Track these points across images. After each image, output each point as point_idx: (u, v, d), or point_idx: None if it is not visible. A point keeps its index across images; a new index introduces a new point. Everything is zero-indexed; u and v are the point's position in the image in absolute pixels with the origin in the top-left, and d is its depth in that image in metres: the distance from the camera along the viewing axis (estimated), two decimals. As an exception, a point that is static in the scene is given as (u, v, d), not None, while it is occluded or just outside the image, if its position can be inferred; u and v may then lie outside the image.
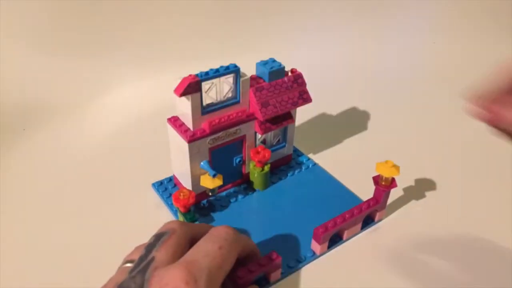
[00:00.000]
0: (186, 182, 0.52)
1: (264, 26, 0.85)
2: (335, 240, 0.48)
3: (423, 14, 0.94)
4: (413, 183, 0.57)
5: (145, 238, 0.37)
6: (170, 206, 0.52)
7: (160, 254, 0.33)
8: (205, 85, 0.46)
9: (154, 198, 0.55)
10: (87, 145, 0.65)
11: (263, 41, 0.84)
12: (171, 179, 0.56)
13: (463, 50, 0.91)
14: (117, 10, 0.74)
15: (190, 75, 0.45)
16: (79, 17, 0.72)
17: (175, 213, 0.51)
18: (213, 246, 0.34)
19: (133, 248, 0.38)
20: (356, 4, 0.90)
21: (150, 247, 0.34)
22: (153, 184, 0.56)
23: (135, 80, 0.76)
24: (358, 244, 0.48)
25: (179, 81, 0.45)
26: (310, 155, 0.62)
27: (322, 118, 0.72)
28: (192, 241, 0.36)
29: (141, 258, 0.33)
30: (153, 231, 0.37)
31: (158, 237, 0.35)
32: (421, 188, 0.56)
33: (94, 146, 0.65)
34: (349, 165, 0.59)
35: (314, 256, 0.46)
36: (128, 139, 0.67)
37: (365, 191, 0.53)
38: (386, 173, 0.47)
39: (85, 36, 0.74)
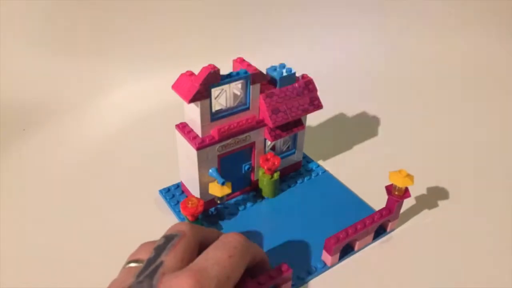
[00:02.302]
0: (194, 189, 0.51)
1: (267, 25, 0.85)
2: (346, 250, 0.47)
3: (423, 14, 0.93)
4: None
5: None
6: (178, 213, 0.51)
7: (169, 258, 0.32)
8: (214, 91, 0.45)
9: (159, 203, 0.54)
10: (87, 145, 0.64)
11: (266, 41, 0.83)
12: (178, 186, 0.55)
13: (463, 50, 0.91)
14: (117, 10, 0.73)
15: (187, 72, 0.44)
16: (79, 17, 0.72)
17: (182, 220, 0.50)
18: (222, 255, 0.33)
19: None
20: (357, 6, 0.90)
21: (159, 250, 0.33)
22: (160, 191, 0.55)
23: (136, 80, 0.76)
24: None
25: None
26: (320, 162, 0.61)
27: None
28: (201, 245, 0.35)
29: (149, 261, 0.32)
30: (157, 234, 0.36)
31: (168, 240, 0.34)
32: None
33: (94, 146, 0.64)
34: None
35: (325, 267, 0.45)
36: (130, 139, 0.66)
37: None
38: (400, 183, 0.45)
39: (85, 36, 0.73)
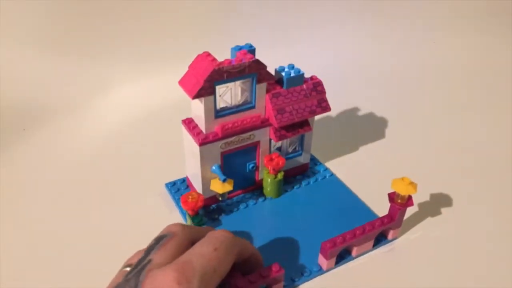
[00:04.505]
0: (197, 184, 0.51)
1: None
2: (344, 256, 0.46)
3: (423, 14, 0.92)
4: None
5: (152, 237, 0.36)
6: (181, 207, 0.52)
7: (157, 256, 0.33)
8: (220, 89, 0.45)
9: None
10: (87, 145, 0.65)
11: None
12: (184, 181, 0.56)
13: (463, 50, 0.90)
14: (117, 9, 0.74)
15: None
16: (79, 17, 0.72)
17: (184, 215, 0.51)
18: (208, 248, 0.33)
19: (138, 248, 0.37)
20: (356, 5, 0.89)
21: (149, 250, 0.34)
22: (166, 184, 0.56)
23: (136, 79, 0.76)
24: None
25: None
26: (328, 164, 0.60)
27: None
28: (193, 245, 0.36)
29: (139, 261, 0.33)
30: (160, 228, 0.37)
31: (158, 240, 0.35)
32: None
33: (94, 146, 0.64)
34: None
35: (320, 271, 0.45)
36: (130, 138, 0.66)
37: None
38: (403, 191, 0.45)
39: (85, 36, 0.74)
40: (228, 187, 0.49)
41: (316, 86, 0.51)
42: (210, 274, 0.32)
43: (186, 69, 0.46)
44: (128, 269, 0.34)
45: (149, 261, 0.32)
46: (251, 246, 0.39)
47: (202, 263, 0.32)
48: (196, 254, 0.33)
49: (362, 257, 0.47)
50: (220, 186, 0.48)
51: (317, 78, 0.52)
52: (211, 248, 0.33)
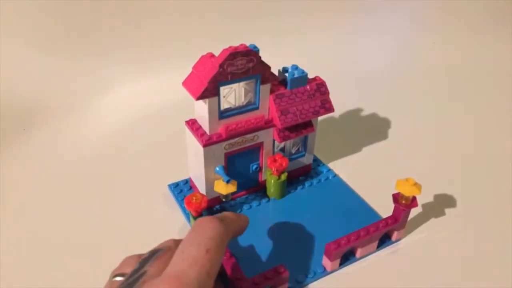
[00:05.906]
0: (200, 185, 0.51)
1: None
2: (348, 257, 0.46)
3: (423, 14, 0.93)
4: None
5: (154, 238, 0.36)
6: (184, 208, 0.52)
7: (152, 268, 0.31)
8: (223, 90, 0.45)
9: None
10: (87, 145, 0.64)
11: (268, 41, 0.82)
12: (187, 181, 0.56)
13: (463, 50, 0.90)
14: (118, 9, 0.74)
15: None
16: (80, 17, 0.72)
17: (187, 216, 0.51)
18: (199, 251, 0.31)
19: (140, 249, 0.37)
20: (356, 5, 0.90)
21: (143, 262, 0.33)
22: (169, 185, 0.56)
23: (136, 79, 0.76)
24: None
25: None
26: (331, 165, 0.60)
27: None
28: None
29: (133, 272, 0.32)
30: (162, 229, 0.36)
31: (153, 253, 0.34)
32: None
33: (94, 146, 0.64)
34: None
35: (324, 272, 0.45)
36: (130, 139, 0.66)
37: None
38: (407, 192, 0.44)
39: (85, 36, 0.74)
40: (231, 188, 0.48)
41: (320, 87, 0.51)
42: (205, 280, 0.30)
43: (187, 68, 0.46)
44: (118, 279, 0.33)
45: (144, 272, 0.31)
46: (237, 219, 0.37)
47: (197, 271, 0.30)
48: (188, 261, 0.31)
49: (366, 258, 0.47)
50: (223, 187, 0.48)
51: (320, 79, 0.52)
52: (203, 251, 0.31)
